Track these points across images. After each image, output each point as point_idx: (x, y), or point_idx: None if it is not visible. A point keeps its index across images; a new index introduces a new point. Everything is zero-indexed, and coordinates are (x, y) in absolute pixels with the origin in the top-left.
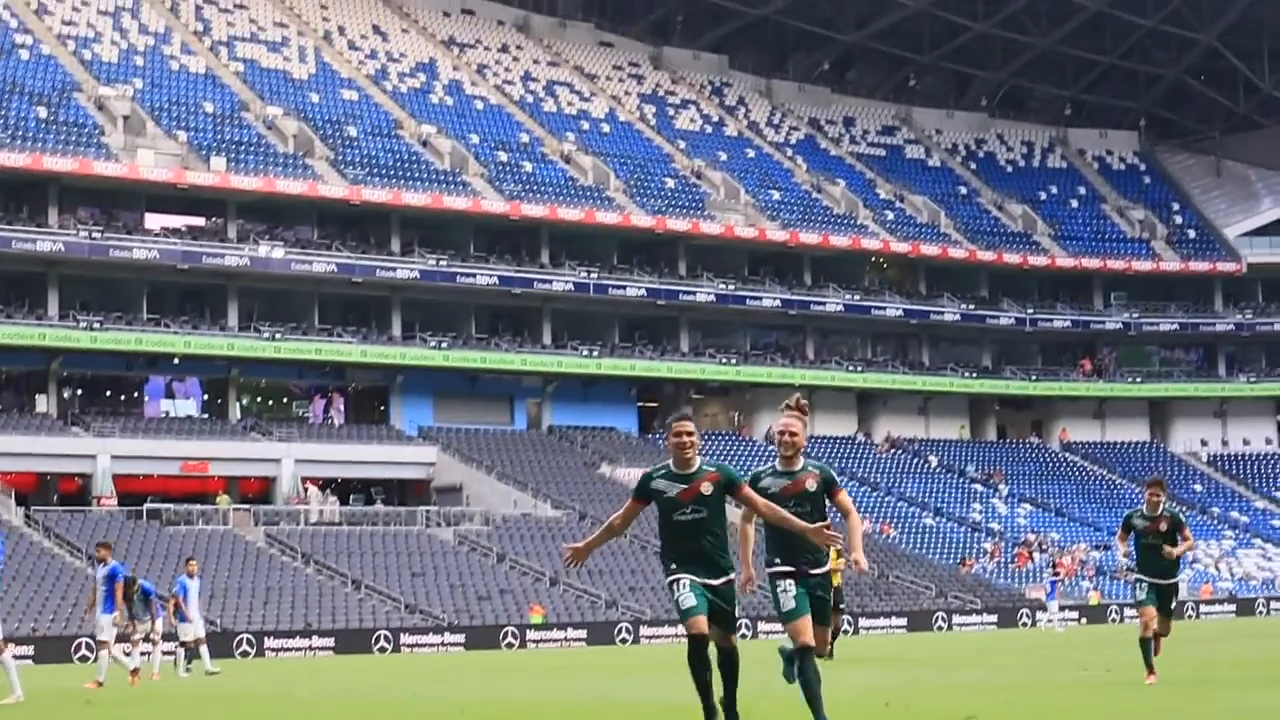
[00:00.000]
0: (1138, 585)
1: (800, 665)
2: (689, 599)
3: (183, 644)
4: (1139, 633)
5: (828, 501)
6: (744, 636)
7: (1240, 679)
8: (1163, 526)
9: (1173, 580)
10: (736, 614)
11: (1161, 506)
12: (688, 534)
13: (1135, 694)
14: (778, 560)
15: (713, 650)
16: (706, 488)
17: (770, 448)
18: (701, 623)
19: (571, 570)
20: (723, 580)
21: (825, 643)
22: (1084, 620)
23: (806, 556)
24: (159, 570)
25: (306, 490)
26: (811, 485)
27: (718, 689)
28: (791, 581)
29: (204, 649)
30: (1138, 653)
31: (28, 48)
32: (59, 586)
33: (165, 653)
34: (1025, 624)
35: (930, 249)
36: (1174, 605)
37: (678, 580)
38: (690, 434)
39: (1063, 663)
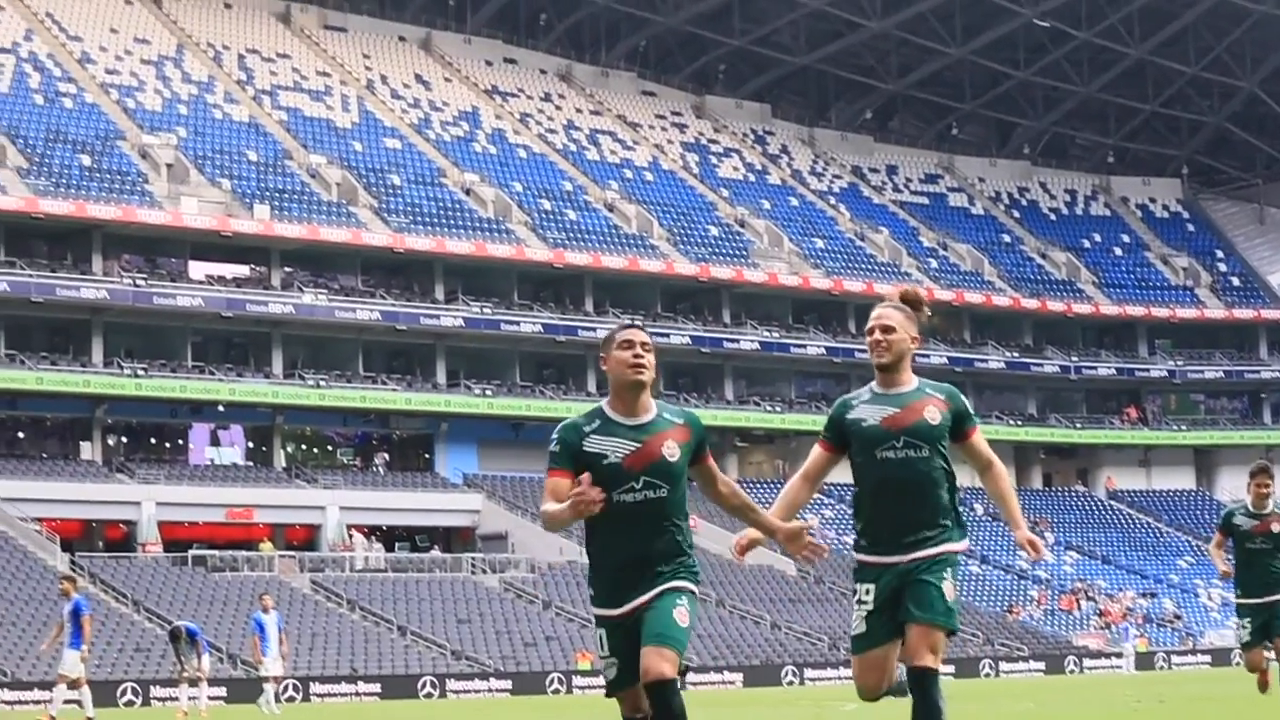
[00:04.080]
0: (1239, 625)
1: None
2: (613, 668)
3: (266, 679)
4: (1258, 682)
5: (952, 448)
6: (790, 683)
7: None
8: (1275, 527)
9: None
10: (688, 625)
11: (1271, 501)
12: (633, 525)
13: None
14: (864, 541)
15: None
16: (670, 449)
17: (818, 499)
18: (633, 699)
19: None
20: (659, 590)
21: (923, 652)
22: (1132, 668)
23: (912, 534)
24: (204, 615)
25: (352, 537)
26: (934, 415)
27: None
28: (870, 586)
29: (269, 687)
30: (1192, 688)
31: (72, 96)
32: (104, 632)
33: (212, 696)
34: (1073, 670)
35: (974, 297)
36: None
37: (601, 635)
38: (648, 346)
39: (1114, 697)
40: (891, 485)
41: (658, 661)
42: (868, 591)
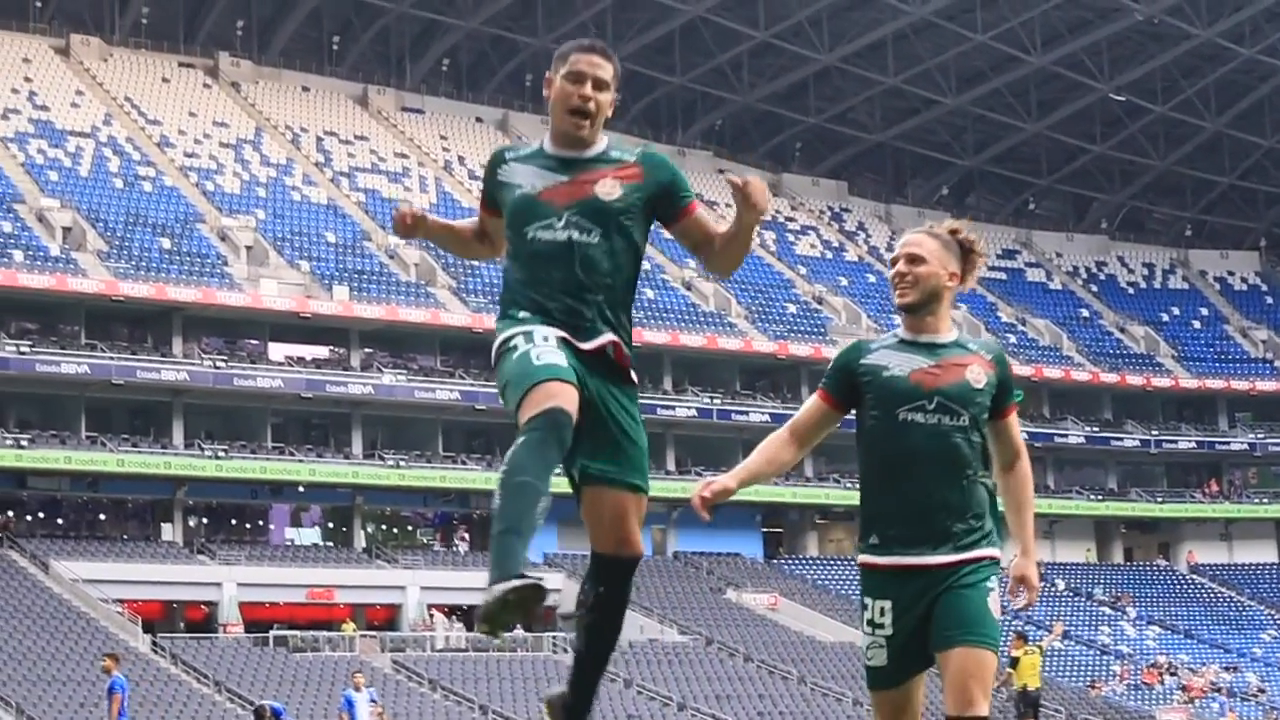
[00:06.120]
0: None
1: None
2: (550, 353)
3: None
4: None
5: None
6: None
7: None
8: None
9: None
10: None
11: None
12: (556, 272)
13: None
14: (874, 538)
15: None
16: (608, 188)
17: None
18: (567, 394)
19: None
20: (601, 341)
21: (973, 694)
22: None
23: (941, 527)
24: (286, 696)
25: (432, 617)
26: (978, 377)
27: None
28: (887, 604)
29: None
30: None
31: (151, 180)
32: (186, 712)
33: None
34: None
35: (1053, 372)
36: None
37: (529, 332)
38: (604, 85)
39: None
40: (916, 460)
41: (626, 531)
42: (883, 611)
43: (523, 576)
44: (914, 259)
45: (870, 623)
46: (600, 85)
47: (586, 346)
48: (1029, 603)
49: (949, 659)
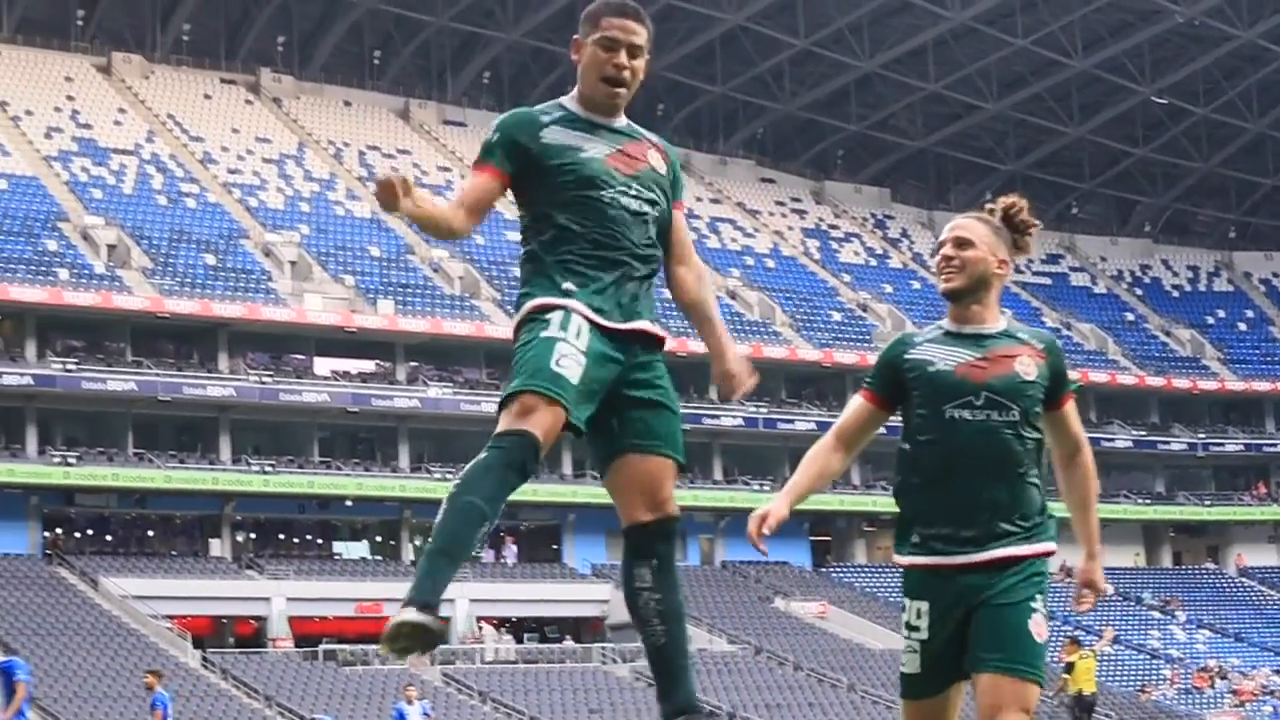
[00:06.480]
0: None
1: None
2: (569, 358)
3: None
4: None
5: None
6: None
7: None
8: None
9: None
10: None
11: None
12: (637, 233)
13: None
14: (914, 537)
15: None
16: (656, 160)
17: None
18: (550, 419)
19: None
20: (642, 326)
21: (1018, 705)
22: None
23: (985, 527)
24: (336, 709)
25: (481, 629)
26: (1027, 369)
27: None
28: (923, 605)
29: None
30: None
31: (195, 196)
32: None
33: None
34: None
35: (1099, 376)
36: None
37: (566, 315)
38: (638, 50)
39: None
40: (963, 458)
41: (661, 496)
42: (919, 613)
43: (428, 609)
44: (961, 243)
45: (907, 625)
46: (635, 52)
47: (628, 327)
48: (1090, 606)
49: (981, 682)
